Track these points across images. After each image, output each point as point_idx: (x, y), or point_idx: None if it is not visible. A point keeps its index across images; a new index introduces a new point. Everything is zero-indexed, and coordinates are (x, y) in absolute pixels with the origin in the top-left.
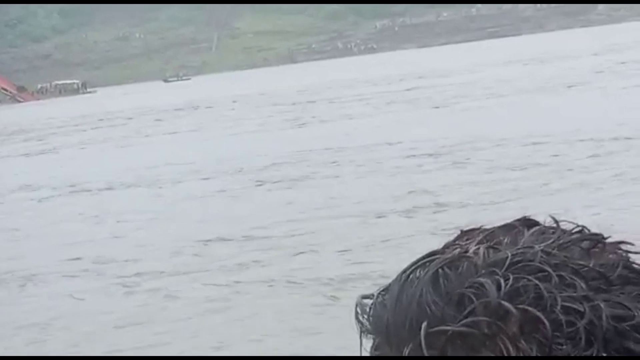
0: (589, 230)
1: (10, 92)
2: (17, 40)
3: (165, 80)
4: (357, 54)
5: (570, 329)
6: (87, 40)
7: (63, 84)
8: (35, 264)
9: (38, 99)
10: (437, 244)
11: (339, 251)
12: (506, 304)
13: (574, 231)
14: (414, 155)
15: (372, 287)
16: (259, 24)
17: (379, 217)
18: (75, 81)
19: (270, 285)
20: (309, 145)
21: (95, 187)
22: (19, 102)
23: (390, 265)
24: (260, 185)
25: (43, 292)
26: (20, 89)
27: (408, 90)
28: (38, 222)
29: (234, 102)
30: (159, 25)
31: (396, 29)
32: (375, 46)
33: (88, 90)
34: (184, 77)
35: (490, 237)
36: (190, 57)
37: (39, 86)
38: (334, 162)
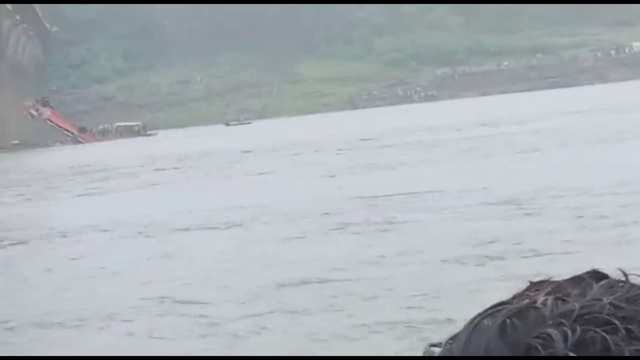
0: None
1: (72, 133)
2: (80, 81)
3: (227, 124)
4: (417, 101)
5: None
6: (149, 83)
7: (124, 125)
8: (113, 303)
9: (99, 140)
10: (509, 293)
11: (411, 296)
12: (573, 355)
13: None
14: (486, 203)
15: (441, 335)
16: (320, 70)
17: (451, 263)
18: (136, 123)
19: (346, 329)
20: (378, 190)
21: (168, 227)
22: (80, 143)
23: (460, 313)
24: (332, 229)
25: (121, 331)
26: (82, 129)
27: (473, 137)
28: (112, 261)
29: (298, 145)
30: (220, 69)
31: (456, 77)
32: (435, 94)
33: (149, 132)
34: (244, 121)
35: (559, 288)
36: (250, 101)
37: (101, 127)
38: (404, 208)
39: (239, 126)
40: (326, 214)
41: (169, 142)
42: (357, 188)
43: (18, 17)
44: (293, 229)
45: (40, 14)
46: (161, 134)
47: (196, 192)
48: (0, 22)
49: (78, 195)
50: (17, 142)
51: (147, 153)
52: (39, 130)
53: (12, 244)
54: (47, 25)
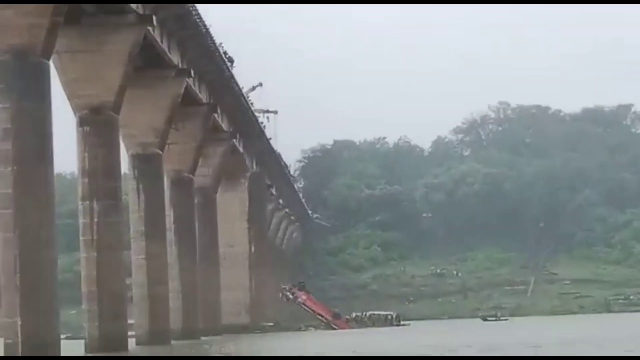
0: None
1: (326, 319)
2: (338, 268)
3: (484, 319)
4: None
5: None
6: (404, 274)
7: (377, 314)
8: None
9: (351, 327)
10: None
11: None
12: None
13: None
14: None
15: None
16: (577, 271)
17: None
18: (389, 313)
19: None
20: None
21: None
22: (333, 329)
23: None
24: None
25: None
26: (335, 316)
27: None
28: None
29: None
30: (476, 264)
31: None
32: None
33: (401, 322)
34: (500, 317)
35: None
36: (505, 299)
37: (354, 315)
38: None
39: (495, 322)
40: None
41: (426, 334)
42: None
43: (281, 201)
44: None
45: (303, 199)
46: (413, 325)
47: None
48: (264, 204)
49: None
50: (271, 324)
51: (419, 342)
52: (293, 313)
53: None
54: (309, 211)
